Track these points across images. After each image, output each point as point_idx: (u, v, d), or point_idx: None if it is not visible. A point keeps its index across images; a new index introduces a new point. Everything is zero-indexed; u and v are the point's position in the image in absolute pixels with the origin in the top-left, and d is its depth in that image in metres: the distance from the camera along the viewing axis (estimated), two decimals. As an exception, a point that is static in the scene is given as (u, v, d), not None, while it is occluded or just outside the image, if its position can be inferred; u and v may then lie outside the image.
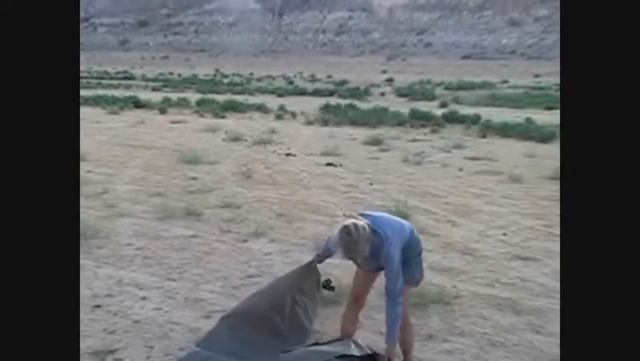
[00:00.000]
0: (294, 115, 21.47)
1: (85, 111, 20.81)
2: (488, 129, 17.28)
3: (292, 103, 26.42)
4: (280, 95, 33.92)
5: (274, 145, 14.16)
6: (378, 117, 19.82)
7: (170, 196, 8.66)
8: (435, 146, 14.58)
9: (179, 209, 7.66)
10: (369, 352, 3.75)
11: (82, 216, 6.55)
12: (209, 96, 29.37)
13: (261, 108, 23.33)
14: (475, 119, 19.37)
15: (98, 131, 16.06)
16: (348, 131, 17.24)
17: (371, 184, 9.79)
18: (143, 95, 28.71)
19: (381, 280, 4.16)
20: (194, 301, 4.97)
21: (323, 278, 4.74)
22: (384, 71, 70.00)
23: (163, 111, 22.44)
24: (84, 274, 5.39)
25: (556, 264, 6.03)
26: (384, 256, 3.51)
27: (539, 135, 15.85)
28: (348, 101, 26.98)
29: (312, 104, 25.32)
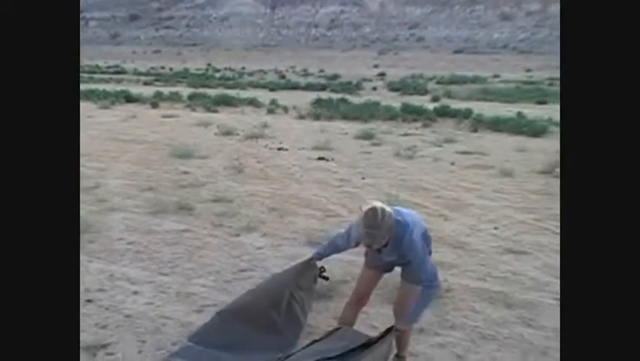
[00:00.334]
0: (286, 109, 21.44)
1: (76, 105, 20.65)
2: (480, 124, 17.31)
3: (284, 97, 26.39)
4: (272, 90, 33.85)
5: (266, 139, 14.14)
6: (370, 111, 19.80)
7: (162, 191, 8.65)
8: (426, 140, 14.60)
9: (170, 203, 7.65)
10: (370, 337, 3.70)
11: (73, 210, 6.52)
12: (201, 90, 29.26)
13: (253, 102, 23.28)
14: (466, 114, 19.40)
15: (89, 125, 15.99)
16: (340, 126, 17.24)
17: (363, 178, 9.80)
18: (135, 90, 28.58)
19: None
20: (186, 296, 4.97)
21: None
22: (376, 66, 69.99)
23: (155, 105, 22.35)
24: (75, 269, 5.39)
25: (546, 258, 6.06)
26: (407, 243, 3.48)
27: (530, 130, 15.90)
28: (340, 96, 26.94)
29: (304, 99, 25.29)
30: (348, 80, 41.85)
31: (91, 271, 5.39)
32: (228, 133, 14.86)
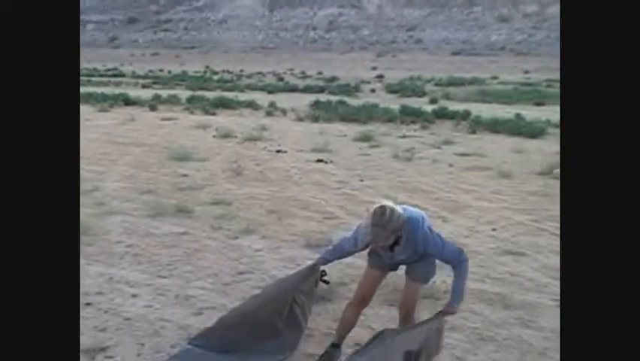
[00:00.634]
0: (284, 112, 21.44)
1: (74, 109, 20.64)
2: (478, 125, 17.31)
3: (282, 100, 26.37)
4: (270, 92, 33.81)
5: (265, 142, 14.14)
6: (368, 113, 19.80)
7: (161, 193, 8.65)
8: (425, 142, 14.60)
9: (169, 206, 7.65)
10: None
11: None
12: (200, 93, 29.22)
13: (252, 105, 23.27)
14: (465, 115, 19.40)
15: (87, 128, 15.98)
16: (339, 128, 17.24)
17: (361, 180, 9.81)
18: (133, 93, 28.56)
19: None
20: (185, 299, 4.97)
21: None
22: (374, 68, 69.99)
23: (153, 108, 22.33)
24: (74, 272, 5.38)
25: (545, 259, 6.08)
26: (422, 237, 3.54)
27: (528, 131, 15.91)
28: (338, 98, 26.92)
29: (302, 101, 25.28)
30: (346, 83, 41.84)
31: (90, 275, 5.39)
32: (227, 136, 14.86)
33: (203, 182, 9.52)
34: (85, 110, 20.84)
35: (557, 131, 16.01)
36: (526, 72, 62.61)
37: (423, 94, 32.69)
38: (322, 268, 4.25)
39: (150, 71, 62.59)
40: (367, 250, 3.96)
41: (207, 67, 70.24)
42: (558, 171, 10.02)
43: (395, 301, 4.83)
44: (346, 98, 27.05)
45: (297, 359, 4.00)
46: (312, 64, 76.99)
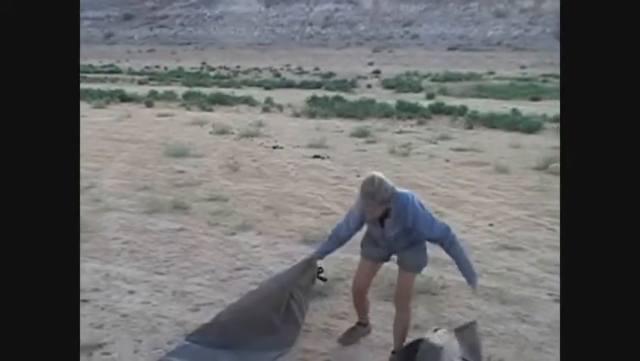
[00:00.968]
0: (281, 108, 21.41)
1: (70, 105, 20.57)
2: (475, 120, 17.31)
3: (279, 95, 26.34)
4: (267, 88, 33.77)
5: (261, 138, 14.13)
6: (365, 109, 19.78)
7: (157, 190, 8.64)
8: (422, 137, 14.60)
9: (166, 203, 7.65)
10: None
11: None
12: (196, 89, 29.18)
13: (248, 101, 23.23)
14: (461, 111, 19.40)
15: (84, 125, 15.93)
16: (336, 124, 17.23)
17: (358, 176, 9.80)
18: (129, 89, 28.50)
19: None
20: (182, 295, 4.97)
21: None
22: (370, 63, 69.81)
23: (149, 105, 22.29)
24: (71, 269, 5.38)
25: (541, 254, 6.08)
26: (412, 212, 3.59)
27: (525, 126, 15.92)
28: (335, 94, 26.88)
29: (299, 97, 25.26)
30: (343, 78, 41.80)
31: (86, 271, 5.38)
32: (223, 132, 14.84)
33: (199, 178, 9.52)
34: (81, 106, 20.77)
35: (554, 126, 16.05)
36: (523, 67, 62.59)
37: (419, 89, 32.67)
38: (320, 264, 4.26)
39: (146, 67, 62.43)
40: (360, 241, 4.04)
41: (204, 63, 70.10)
42: (555, 166, 10.04)
43: (391, 296, 4.85)
44: (343, 94, 27.03)
45: (294, 354, 4.01)
46: (308, 60, 76.91)
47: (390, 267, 5.17)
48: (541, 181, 9.45)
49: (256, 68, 60.65)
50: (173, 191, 8.51)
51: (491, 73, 51.66)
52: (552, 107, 20.06)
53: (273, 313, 4.09)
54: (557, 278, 5.31)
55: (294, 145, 13.04)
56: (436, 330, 3.65)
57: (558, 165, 9.80)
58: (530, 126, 15.90)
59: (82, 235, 6.33)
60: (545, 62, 61.84)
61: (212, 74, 50.94)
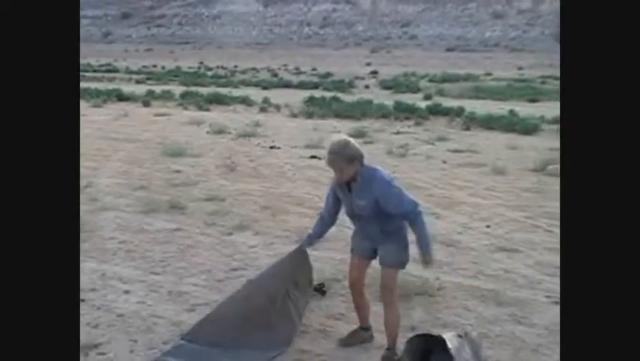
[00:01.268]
0: (278, 108, 21.40)
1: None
2: (472, 122, 17.31)
3: (276, 96, 26.32)
4: (264, 88, 33.75)
5: (258, 138, 14.12)
6: (362, 110, 19.78)
7: (154, 189, 8.63)
8: (419, 138, 14.60)
9: (162, 202, 7.64)
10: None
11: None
12: (193, 89, 29.16)
13: (246, 101, 23.22)
14: (459, 112, 19.40)
15: (81, 124, 15.90)
16: (333, 124, 17.23)
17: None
18: (127, 88, 28.49)
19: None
20: (178, 295, 4.96)
21: (316, 281, 4.76)
22: (368, 64, 69.86)
23: (147, 104, 22.28)
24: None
25: (538, 255, 6.08)
26: (378, 183, 3.64)
27: (522, 127, 15.92)
28: (332, 94, 26.88)
29: (296, 97, 25.25)
30: (340, 79, 41.79)
31: (83, 271, 5.36)
32: (220, 132, 14.83)
33: (196, 178, 9.51)
34: (79, 105, 20.72)
35: (551, 127, 16.06)
36: (520, 68, 62.70)
37: (417, 90, 32.67)
38: (322, 282, 4.33)
39: (144, 66, 62.43)
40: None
41: (201, 62, 70.10)
42: (552, 167, 10.04)
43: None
44: (340, 94, 27.05)
45: (290, 355, 4.00)
46: (306, 60, 76.93)
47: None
48: (538, 183, 9.45)
49: (254, 68, 60.65)
50: (170, 191, 8.50)
51: (489, 74, 51.75)
52: (550, 109, 20.08)
53: (267, 303, 4.09)
54: (555, 280, 5.31)
55: (291, 145, 13.04)
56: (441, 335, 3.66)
57: (556, 166, 9.81)
58: (528, 128, 15.90)
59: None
60: (543, 64, 61.95)
61: (209, 73, 50.94)
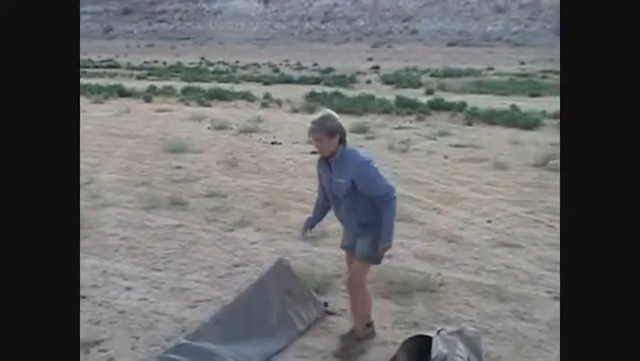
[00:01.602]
0: (279, 103, 21.37)
1: (69, 100, 20.56)
2: (474, 116, 17.25)
3: (278, 91, 26.27)
4: (266, 83, 33.68)
5: (260, 133, 14.10)
6: (364, 105, 19.72)
7: (155, 186, 8.63)
8: (420, 133, 14.57)
9: (164, 198, 7.64)
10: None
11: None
12: (195, 84, 29.12)
13: (247, 96, 23.18)
14: (460, 107, 19.33)
15: (82, 120, 15.88)
16: (334, 120, 17.16)
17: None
18: (128, 84, 28.47)
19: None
20: (180, 291, 4.96)
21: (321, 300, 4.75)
22: (370, 59, 69.59)
23: (148, 100, 22.26)
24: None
25: (540, 251, 6.07)
26: (357, 163, 3.71)
27: (524, 122, 15.86)
28: (334, 89, 26.80)
29: (297, 92, 25.19)
30: (342, 74, 41.69)
31: (84, 267, 5.37)
32: (222, 127, 14.82)
33: (197, 174, 9.50)
34: (80, 101, 20.73)
35: (553, 122, 16.01)
36: (522, 63, 62.49)
37: (419, 85, 32.54)
38: (326, 300, 4.35)
39: (145, 62, 62.31)
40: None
41: (202, 58, 69.95)
42: (553, 162, 10.02)
43: (389, 294, 4.86)
44: (342, 90, 26.95)
45: (292, 352, 4.00)
46: (307, 55, 76.74)
47: (391, 264, 5.18)
48: (539, 178, 9.43)
49: (255, 64, 60.50)
50: (171, 187, 8.50)
51: (490, 69, 51.57)
52: (551, 104, 20.01)
53: (266, 311, 4.11)
54: (556, 275, 5.30)
55: (292, 141, 13.02)
56: (439, 331, 3.64)
57: (557, 161, 9.78)
58: (529, 122, 15.85)
59: (80, 231, 6.32)
60: (545, 58, 61.71)
61: (210, 69, 50.86)
